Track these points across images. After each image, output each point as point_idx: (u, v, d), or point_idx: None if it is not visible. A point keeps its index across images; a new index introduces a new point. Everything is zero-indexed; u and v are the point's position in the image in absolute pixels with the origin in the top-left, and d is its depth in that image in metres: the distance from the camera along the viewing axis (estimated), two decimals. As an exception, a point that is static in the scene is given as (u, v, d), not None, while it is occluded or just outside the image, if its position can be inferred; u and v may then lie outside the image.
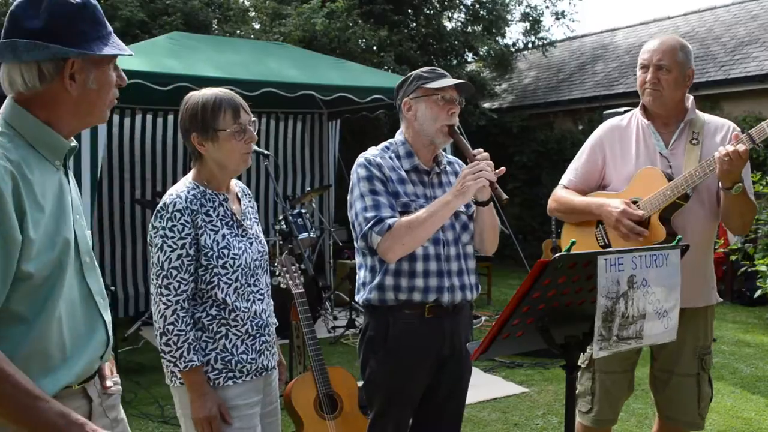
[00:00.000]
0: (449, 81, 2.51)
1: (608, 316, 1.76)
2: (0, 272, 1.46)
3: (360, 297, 2.60)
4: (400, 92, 2.60)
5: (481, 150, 2.43)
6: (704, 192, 2.77)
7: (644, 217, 2.72)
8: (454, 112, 2.51)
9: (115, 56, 1.64)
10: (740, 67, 10.42)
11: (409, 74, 2.61)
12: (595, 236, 2.91)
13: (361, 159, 2.55)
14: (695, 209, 2.76)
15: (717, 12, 13.01)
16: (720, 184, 2.66)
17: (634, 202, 2.77)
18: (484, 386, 5.29)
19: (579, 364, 2.91)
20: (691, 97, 2.91)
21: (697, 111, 2.88)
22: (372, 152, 2.59)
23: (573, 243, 1.87)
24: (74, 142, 1.70)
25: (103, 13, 1.65)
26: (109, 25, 1.66)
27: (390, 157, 2.57)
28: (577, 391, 2.94)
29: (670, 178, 2.72)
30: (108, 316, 1.75)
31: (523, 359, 5.91)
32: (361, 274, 2.60)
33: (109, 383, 1.81)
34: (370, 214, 2.43)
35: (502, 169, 2.39)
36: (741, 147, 2.51)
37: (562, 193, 2.99)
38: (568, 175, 3.04)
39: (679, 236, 2.10)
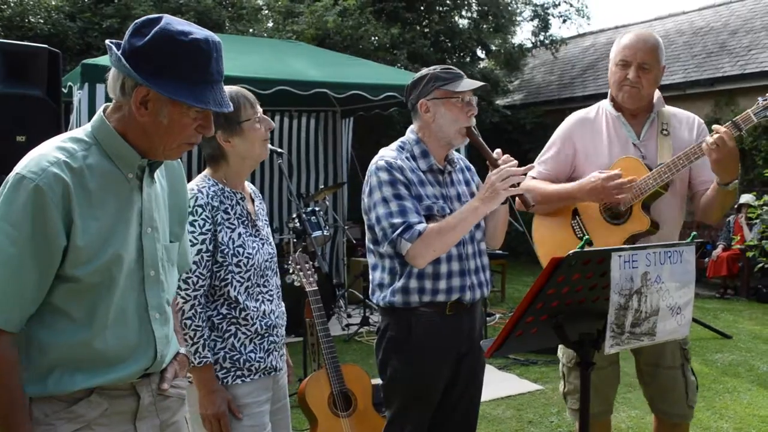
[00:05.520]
0: (469, 84, 2.49)
1: (621, 313, 1.76)
2: (36, 275, 1.53)
3: (379, 298, 2.56)
4: (415, 92, 2.55)
5: (499, 151, 2.43)
6: (677, 181, 2.78)
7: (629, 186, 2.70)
8: (473, 113, 2.52)
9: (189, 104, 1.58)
10: (756, 62, 10.33)
11: (424, 73, 2.56)
12: (572, 227, 2.90)
13: (381, 162, 2.49)
14: (668, 198, 2.78)
15: (733, 6, 12.89)
16: (716, 179, 2.66)
17: None
18: (498, 384, 5.27)
19: (567, 363, 2.93)
20: (659, 91, 2.91)
21: (664, 104, 2.91)
22: (390, 154, 2.54)
23: (587, 240, 1.87)
24: (157, 159, 1.70)
25: (217, 62, 1.64)
26: (217, 74, 1.64)
27: (407, 158, 2.54)
28: (565, 390, 2.96)
29: (648, 167, 2.73)
30: (161, 332, 1.73)
31: (538, 357, 5.89)
32: (377, 276, 2.57)
33: (165, 386, 1.77)
34: (397, 221, 2.40)
35: (530, 166, 2.39)
36: (726, 132, 2.52)
37: (532, 183, 2.91)
38: (537, 167, 2.98)
39: (695, 233, 2.09)
